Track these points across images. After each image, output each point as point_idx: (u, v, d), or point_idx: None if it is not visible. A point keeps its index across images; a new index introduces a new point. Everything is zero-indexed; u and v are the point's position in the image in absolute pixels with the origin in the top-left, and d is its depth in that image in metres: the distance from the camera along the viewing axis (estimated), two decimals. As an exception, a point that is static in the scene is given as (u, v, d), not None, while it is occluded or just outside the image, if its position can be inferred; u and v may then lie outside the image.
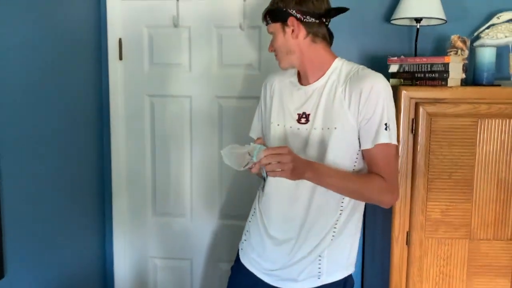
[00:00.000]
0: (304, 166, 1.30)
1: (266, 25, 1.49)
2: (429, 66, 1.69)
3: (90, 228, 2.21)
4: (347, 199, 1.45)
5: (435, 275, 1.73)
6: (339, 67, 1.44)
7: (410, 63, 1.75)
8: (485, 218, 1.70)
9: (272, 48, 1.49)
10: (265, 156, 1.23)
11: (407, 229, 1.73)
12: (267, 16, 1.46)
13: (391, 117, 1.39)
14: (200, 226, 2.30)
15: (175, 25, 2.17)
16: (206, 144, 2.24)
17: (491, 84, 1.76)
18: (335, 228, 1.45)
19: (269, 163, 1.23)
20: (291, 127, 1.46)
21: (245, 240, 1.61)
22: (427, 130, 1.67)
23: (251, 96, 2.12)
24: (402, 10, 1.88)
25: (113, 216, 2.32)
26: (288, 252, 1.47)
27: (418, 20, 1.90)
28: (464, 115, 1.65)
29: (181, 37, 2.19)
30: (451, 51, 1.81)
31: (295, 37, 1.42)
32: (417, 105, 1.66)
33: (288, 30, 1.42)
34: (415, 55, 1.92)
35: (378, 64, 1.85)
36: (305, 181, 1.35)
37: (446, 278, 1.73)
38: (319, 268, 1.46)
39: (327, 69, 1.44)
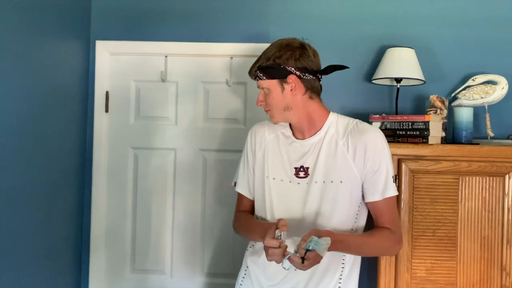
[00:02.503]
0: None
1: (257, 80, 1.45)
2: (410, 124, 1.74)
3: (65, 283, 2.10)
4: (348, 254, 1.43)
5: (422, 337, 1.68)
6: (335, 121, 1.46)
7: (392, 120, 1.79)
8: (470, 276, 1.68)
9: (263, 103, 1.46)
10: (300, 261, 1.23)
11: (392, 288, 1.70)
12: (260, 72, 1.42)
13: (392, 169, 1.44)
14: (181, 283, 2.21)
15: (163, 80, 2.21)
16: (189, 198, 2.21)
17: (470, 143, 1.81)
18: (340, 283, 1.42)
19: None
20: (290, 181, 1.43)
21: None
22: (410, 186, 1.69)
23: (235, 150, 2.13)
24: (383, 71, 1.96)
25: (89, 272, 2.22)
26: None
27: (398, 80, 1.97)
28: (446, 172, 1.68)
29: (168, 92, 2.22)
30: (430, 110, 1.87)
31: (294, 95, 1.41)
32: (399, 162, 1.69)
33: (287, 87, 1.40)
34: (396, 113, 1.97)
35: (360, 121, 1.90)
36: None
37: None
38: None
39: (323, 123, 1.45)
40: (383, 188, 1.40)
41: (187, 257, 2.22)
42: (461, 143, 1.81)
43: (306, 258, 1.21)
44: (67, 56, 2.05)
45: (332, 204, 1.39)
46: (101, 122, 2.23)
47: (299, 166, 1.43)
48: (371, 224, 1.48)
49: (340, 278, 1.42)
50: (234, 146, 2.16)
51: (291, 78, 1.40)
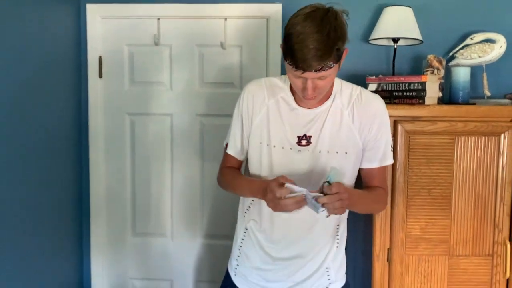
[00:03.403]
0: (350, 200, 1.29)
1: (321, 71, 1.22)
2: (406, 85, 1.73)
3: (67, 249, 2.15)
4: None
5: (416, 292, 1.74)
6: (339, 89, 1.41)
7: (388, 82, 1.78)
8: (463, 234, 1.72)
9: (317, 90, 1.28)
10: (328, 198, 1.20)
11: (387, 246, 1.74)
12: (330, 60, 1.22)
13: (391, 137, 1.45)
14: (181, 246, 2.26)
15: (156, 44, 2.17)
16: (187, 163, 2.23)
17: (466, 103, 1.81)
18: (337, 238, 1.46)
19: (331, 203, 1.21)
20: (291, 148, 1.39)
21: (237, 265, 1.53)
22: (405, 147, 1.69)
23: (232, 115, 2.12)
24: (380, 31, 1.92)
25: (91, 237, 2.27)
26: (297, 269, 1.44)
27: (395, 40, 1.94)
28: (441, 132, 1.69)
29: (162, 56, 2.19)
30: (427, 71, 1.85)
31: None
32: (395, 123, 1.69)
33: (339, 64, 1.30)
34: (393, 74, 1.96)
35: (356, 83, 1.86)
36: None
37: (427, 295, 1.74)
38: (329, 278, 1.46)
39: (331, 93, 1.40)
40: (382, 156, 1.42)
41: (187, 220, 2.25)
42: (457, 103, 1.80)
43: (330, 191, 1.20)
44: (57, 21, 2.00)
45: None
46: (96, 88, 2.21)
47: (302, 135, 1.39)
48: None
49: (337, 235, 1.46)
50: (231, 110, 2.12)
51: (345, 53, 1.28)
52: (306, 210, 1.38)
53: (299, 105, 1.41)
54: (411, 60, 2.07)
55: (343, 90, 1.41)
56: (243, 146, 1.52)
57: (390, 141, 1.44)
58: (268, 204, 1.29)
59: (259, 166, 1.45)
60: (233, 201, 2.17)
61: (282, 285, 1.46)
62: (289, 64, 1.25)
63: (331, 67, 1.23)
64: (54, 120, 1.98)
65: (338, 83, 1.42)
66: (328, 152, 1.38)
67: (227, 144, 1.57)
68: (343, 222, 1.48)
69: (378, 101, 1.42)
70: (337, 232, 1.46)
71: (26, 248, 1.78)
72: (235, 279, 1.53)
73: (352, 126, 1.38)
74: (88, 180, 2.25)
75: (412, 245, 1.73)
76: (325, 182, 1.23)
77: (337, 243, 1.46)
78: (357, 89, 1.43)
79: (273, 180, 1.28)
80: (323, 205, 1.21)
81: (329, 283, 1.46)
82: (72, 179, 2.17)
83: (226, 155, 1.58)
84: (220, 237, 2.23)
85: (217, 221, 2.24)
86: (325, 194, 1.21)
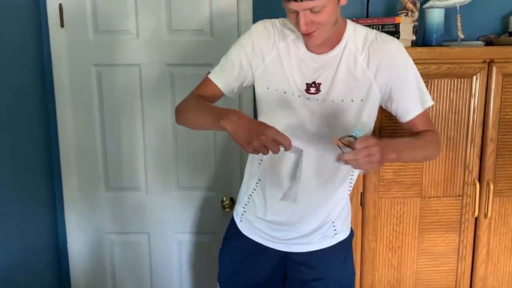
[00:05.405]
0: (387, 152, 1.16)
1: (309, 1, 1.15)
2: (380, 27, 1.70)
3: (40, 207, 2.10)
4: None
5: (388, 233, 1.78)
6: (353, 32, 1.32)
7: (362, 24, 1.73)
8: (435, 176, 1.75)
9: (313, 26, 1.20)
10: (354, 154, 1.09)
11: (361, 190, 1.76)
12: None
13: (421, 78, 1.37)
14: (156, 198, 2.24)
15: (120, -11, 2.05)
16: (159, 115, 2.17)
17: (440, 45, 1.79)
18: (349, 192, 1.48)
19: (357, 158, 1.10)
20: (299, 96, 1.32)
21: (244, 211, 1.51)
22: (379, 91, 1.68)
23: (203, 64, 2.05)
24: (353, -29, 1.86)
25: (63, 193, 2.22)
26: (304, 222, 1.43)
27: (369, -19, 1.88)
28: (415, 75, 1.67)
29: (127, 1, 2.07)
30: (401, 13, 1.82)
31: (342, 3, 1.24)
32: (369, 67, 1.66)
33: None
34: (367, 17, 1.91)
35: (330, 26, 1.83)
36: (331, 155, 1.23)
37: (399, 236, 1.79)
38: (335, 229, 1.47)
39: (342, 36, 1.31)
40: (421, 98, 1.33)
41: (162, 172, 2.22)
42: (431, 45, 1.78)
43: (358, 146, 1.08)
44: (9, -36, 1.85)
45: (348, 124, 1.31)
46: (58, 38, 2.09)
47: (311, 82, 1.31)
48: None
49: (350, 189, 1.47)
50: (202, 59, 2.07)
51: None
52: (325, 160, 1.34)
53: (309, 50, 1.32)
54: (385, 2, 2.02)
55: (357, 33, 1.32)
56: (236, 80, 1.38)
57: (421, 80, 1.35)
58: (236, 136, 1.15)
59: (265, 112, 1.39)
60: (207, 152, 2.16)
61: (286, 234, 1.45)
62: None
63: None
64: (15, 74, 1.87)
65: (352, 26, 1.33)
66: (342, 100, 1.31)
67: (209, 72, 1.44)
68: (355, 176, 1.46)
69: (395, 41, 1.33)
70: (350, 187, 1.46)
71: (-6, 206, 1.73)
72: (240, 225, 1.52)
73: (368, 71, 1.30)
74: (56, 135, 2.17)
75: (385, 188, 1.75)
76: (350, 136, 1.13)
77: (346, 197, 1.48)
78: (372, 32, 1.33)
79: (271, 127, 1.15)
80: (346, 162, 1.10)
81: (335, 233, 1.47)
82: (40, 135, 2.09)
83: (204, 82, 1.45)
84: (195, 189, 2.22)
85: (192, 173, 2.22)
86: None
